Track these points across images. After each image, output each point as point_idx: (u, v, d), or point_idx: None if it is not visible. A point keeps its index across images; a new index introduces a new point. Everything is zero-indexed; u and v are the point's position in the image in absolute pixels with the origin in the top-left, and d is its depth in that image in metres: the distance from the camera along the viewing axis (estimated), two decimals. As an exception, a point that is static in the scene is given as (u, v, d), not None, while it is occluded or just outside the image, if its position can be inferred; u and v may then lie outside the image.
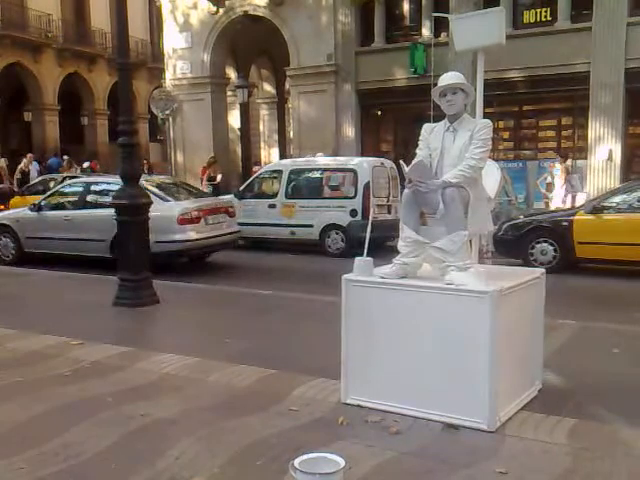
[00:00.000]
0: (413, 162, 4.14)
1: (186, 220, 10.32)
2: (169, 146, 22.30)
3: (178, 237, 10.21)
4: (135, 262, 7.38)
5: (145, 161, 19.07)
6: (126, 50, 7.55)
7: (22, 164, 20.62)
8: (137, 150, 7.77)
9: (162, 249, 9.79)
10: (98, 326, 6.53)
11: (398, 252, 4.21)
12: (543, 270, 4.59)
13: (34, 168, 21.03)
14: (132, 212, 7.40)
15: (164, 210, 10.07)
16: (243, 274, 10.74)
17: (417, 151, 4.31)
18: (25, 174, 20.24)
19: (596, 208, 10.06)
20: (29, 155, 21.66)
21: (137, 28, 27.97)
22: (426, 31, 18.11)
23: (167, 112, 20.80)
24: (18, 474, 3.35)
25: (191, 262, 11.19)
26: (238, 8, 20.35)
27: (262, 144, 26.66)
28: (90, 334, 6.02)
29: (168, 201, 10.59)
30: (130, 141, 7.46)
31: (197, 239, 10.41)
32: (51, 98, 29.03)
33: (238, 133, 23.44)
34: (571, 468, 3.37)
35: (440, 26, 17.26)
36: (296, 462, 3.18)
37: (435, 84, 4.41)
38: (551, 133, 18.02)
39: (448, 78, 4.22)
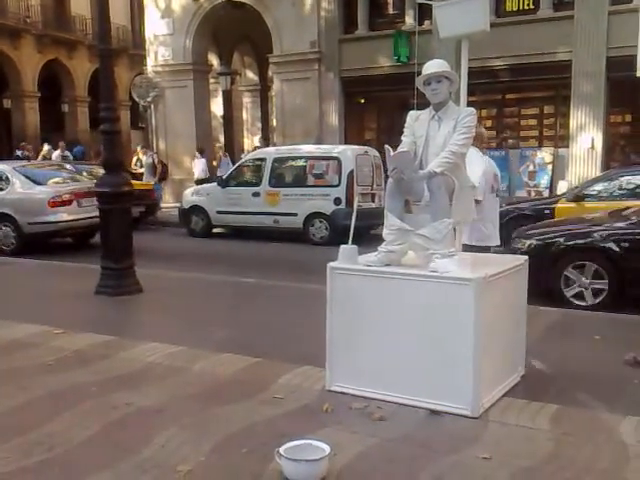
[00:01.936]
0: (397, 150, 4.15)
1: (57, 203, 11.44)
2: (151, 133, 22.11)
3: (50, 219, 11.36)
4: (118, 250, 7.33)
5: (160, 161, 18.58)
6: (107, 36, 7.45)
7: (44, 151, 20.06)
8: (119, 137, 7.70)
9: (35, 230, 11.22)
10: (81, 315, 6.49)
11: (382, 240, 4.23)
12: (526, 257, 4.63)
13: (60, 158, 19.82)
14: (114, 200, 7.33)
15: (36, 193, 11.52)
16: (227, 262, 10.72)
17: (402, 138, 4.32)
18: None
19: (578, 196, 10.15)
20: (61, 143, 20.90)
21: (118, 14, 27.64)
22: (410, 19, 18.08)
23: (149, 99, 20.64)
24: (3, 463, 3.33)
25: (75, 242, 12.52)
26: (221, -6, 20.18)
27: (245, 132, 26.53)
28: (73, 323, 5.98)
29: (40, 185, 11.73)
30: (112, 128, 7.39)
31: (69, 220, 11.50)
32: (31, 85, 28.64)
33: (221, 121, 23.32)
34: (554, 453, 3.41)
35: (424, 14, 17.22)
36: (282, 449, 3.20)
37: (419, 72, 4.41)
38: (533, 122, 18.09)
39: (433, 66, 4.22)
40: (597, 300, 6.95)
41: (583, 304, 6.97)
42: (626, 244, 6.90)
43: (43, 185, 11.81)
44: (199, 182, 17.80)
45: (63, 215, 11.43)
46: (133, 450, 3.47)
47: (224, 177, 14.16)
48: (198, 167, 18.75)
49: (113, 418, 3.89)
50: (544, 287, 6.95)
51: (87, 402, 4.14)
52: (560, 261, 7.12)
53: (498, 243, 6.05)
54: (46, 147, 20.58)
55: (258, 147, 20.37)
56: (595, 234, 7.11)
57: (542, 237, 7.51)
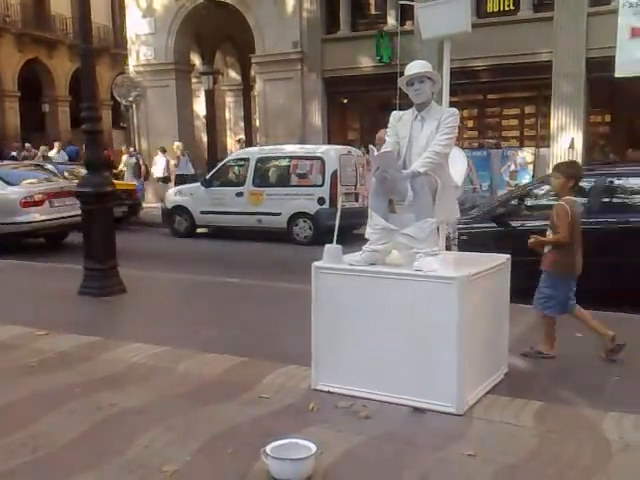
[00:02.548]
0: (381, 150, 4.17)
1: (29, 203, 11.38)
2: (132, 133, 21.98)
3: (22, 219, 11.31)
4: (101, 251, 7.29)
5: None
6: (88, 35, 7.39)
7: (40, 152, 19.65)
8: (101, 137, 7.66)
9: (8, 230, 11.12)
10: (64, 316, 6.44)
11: (366, 239, 4.25)
12: (508, 256, 4.67)
13: (59, 157, 19.54)
14: (97, 200, 7.29)
15: (8, 194, 11.46)
16: (210, 262, 10.69)
17: (386, 138, 4.34)
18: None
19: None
20: (57, 143, 20.62)
21: (99, 13, 27.41)
22: (392, 19, 18.14)
23: (130, 99, 20.51)
24: (-14, 466, 3.31)
25: (48, 243, 12.47)
26: (202, -7, 20.12)
27: (228, 132, 26.45)
28: (55, 324, 5.93)
29: (12, 185, 11.64)
30: (94, 128, 7.35)
31: (42, 220, 11.42)
32: (10, 84, 28.37)
33: (204, 120, 23.23)
34: (537, 450, 3.45)
35: (406, 14, 17.30)
36: (268, 448, 3.21)
37: (401, 72, 4.43)
38: (514, 122, 18.25)
39: (415, 67, 4.25)
40: None
41: None
42: (464, 237, 7.22)
43: (16, 186, 11.73)
44: (160, 180, 18.14)
45: (35, 215, 11.39)
46: (118, 451, 3.46)
47: (207, 177, 14.12)
48: (160, 165, 18.64)
49: (97, 419, 3.88)
50: None
51: (71, 403, 4.11)
52: None
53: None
54: (42, 148, 20.28)
55: (241, 140, 20.46)
56: None
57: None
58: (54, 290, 7.54)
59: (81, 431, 3.71)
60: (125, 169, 18.11)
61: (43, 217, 11.44)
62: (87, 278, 7.32)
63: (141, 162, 18.16)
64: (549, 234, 5.04)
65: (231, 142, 25.67)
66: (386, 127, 4.45)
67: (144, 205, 17.14)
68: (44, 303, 6.99)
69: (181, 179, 17.71)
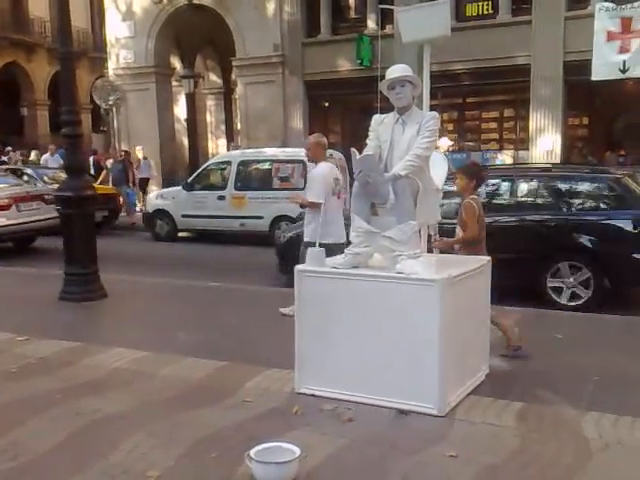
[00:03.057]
0: (362, 154, 4.19)
1: None
2: (113, 137, 21.82)
3: None
4: (81, 256, 7.24)
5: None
6: (68, 39, 7.34)
7: (32, 156, 19.32)
8: (81, 141, 7.61)
9: None
10: (44, 322, 6.39)
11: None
12: (489, 258, 4.71)
13: (53, 160, 18.84)
14: (77, 205, 7.24)
15: None
16: (192, 266, 10.64)
17: (367, 141, 4.37)
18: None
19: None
20: (51, 147, 20.08)
21: (78, 17, 27.10)
22: (372, 23, 18.20)
23: (110, 102, 20.35)
24: (-34, 474, 3.28)
25: (16, 247, 12.30)
26: (183, -3, 20.05)
27: (209, 135, 26.36)
28: (36, 330, 5.89)
29: None
30: (74, 132, 7.30)
31: (8, 225, 11.35)
32: (-12, 88, 28.02)
33: (184, 124, 23.13)
34: (519, 450, 3.49)
35: (386, 18, 17.36)
36: (252, 452, 3.21)
37: (382, 76, 4.46)
38: (494, 125, 18.38)
39: (396, 71, 4.28)
40: None
41: None
42: None
43: None
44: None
45: (1, 220, 11.33)
46: (101, 456, 3.44)
47: (189, 180, 14.07)
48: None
49: (79, 425, 3.85)
50: None
51: (52, 409, 4.09)
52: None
53: (344, 240, 6.16)
54: (34, 153, 20.03)
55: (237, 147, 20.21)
56: None
57: (293, 231, 8.52)
58: (34, 295, 7.47)
59: (63, 437, 3.68)
60: (110, 175, 17.54)
61: (10, 222, 11.39)
62: (68, 283, 7.26)
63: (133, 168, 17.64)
64: (458, 232, 5.25)
65: (212, 145, 25.59)
66: (366, 131, 4.47)
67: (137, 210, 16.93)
68: (24, 309, 6.93)
69: (143, 182, 17.73)
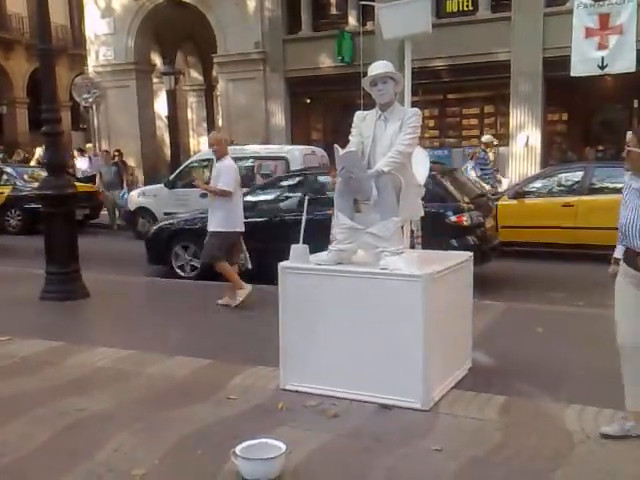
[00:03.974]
0: (344, 150, 4.21)
1: None
2: (93, 135, 21.65)
3: None
4: (63, 255, 7.19)
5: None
6: (47, 36, 7.27)
7: (38, 155, 18.34)
8: (61, 139, 7.54)
9: None
10: (27, 321, 6.34)
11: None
12: (471, 253, 4.75)
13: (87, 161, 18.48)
14: (58, 203, 7.19)
15: None
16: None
17: (350, 138, 4.38)
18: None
19: (518, 193, 10.42)
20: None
21: (56, 13, 26.74)
22: (353, 19, 18.21)
23: (90, 99, 20.19)
24: (-51, 475, 3.26)
25: None
26: (162, -7, 19.93)
27: (191, 132, 26.25)
28: (18, 330, 5.84)
29: None
30: (54, 130, 7.24)
31: None
32: (-35, 86, 27.67)
33: (165, 121, 23.01)
34: (502, 443, 3.53)
35: (367, 14, 17.37)
36: (237, 449, 3.22)
37: (364, 73, 4.47)
38: (474, 121, 18.48)
39: (378, 67, 4.29)
40: (192, 274, 8.62)
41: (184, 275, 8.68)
42: None
43: None
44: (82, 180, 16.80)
45: None
46: (86, 456, 3.44)
47: (171, 178, 13.99)
48: (81, 165, 18.24)
49: (64, 424, 3.84)
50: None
51: (37, 409, 4.06)
52: (172, 242, 8.92)
53: (243, 229, 6.92)
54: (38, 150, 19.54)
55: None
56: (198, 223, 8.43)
57: (159, 225, 9.62)
58: (14, 295, 7.40)
59: (48, 436, 3.67)
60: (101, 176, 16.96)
61: None
62: (49, 282, 7.21)
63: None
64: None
65: (194, 142, 25.48)
66: (348, 127, 4.48)
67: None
68: (5, 308, 6.86)
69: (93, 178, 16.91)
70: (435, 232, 6.66)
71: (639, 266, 3.42)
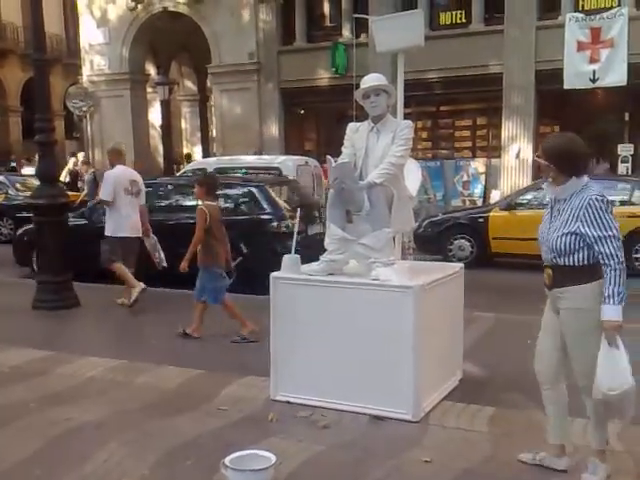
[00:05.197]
0: (337, 162, 4.23)
1: None
2: (86, 144, 21.65)
3: None
4: (54, 264, 7.17)
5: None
6: (42, 45, 7.29)
7: (71, 164, 18.27)
8: (54, 148, 7.54)
9: None
10: (17, 330, 6.30)
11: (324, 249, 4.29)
12: (461, 265, 4.78)
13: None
14: (51, 212, 7.17)
15: None
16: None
17: (343, 149, 4.41)
18: (75, 175, 17.57)
19: (510, 205, 10.46)
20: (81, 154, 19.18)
21: (51, 23, 26.76)
22: (347, 32, 18.32)
23: (84, 109, 20.21)
24: (-63, 485, 3.24)
25: None
26: (158, 4, 19.97)
27: (184, 142, 26.29)
28: (8, 338, 5.82)
29: None
30: (48, 139, 7.24)
31: None
32: (-42, 94, 27.62)
33: (159, 130, 23.04)
34: (492, 454, 3.54)
35: (360, 27, 17.48)
36: (227, 460, 3.21)
37: (357, 84, 4.50)
38: (467, 133, 18.58)
39: (371, 80, 4.32)
40: None
41: None
42: None
43: None
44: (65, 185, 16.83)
45: None
46: (75, 466, 3.42)
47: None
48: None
49: (53, 434, 3.82)
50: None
51: (26, 419, 4.05)
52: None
53: (139, 234, 7.38)
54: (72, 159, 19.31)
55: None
56: None
57: (23, 229, 9.57)
58: (5, 304, 7.35)
59: (37, 446, 3.65)
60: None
61: None
62: (40, 291, 7.19)
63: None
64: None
65: (187, 152, 25.47)
66: (341, 139, 4.50)
67: None
68: (-4, 317, 6.84)
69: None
70: (259, 238, 7.93)
71: (545, 281, 3.36)
